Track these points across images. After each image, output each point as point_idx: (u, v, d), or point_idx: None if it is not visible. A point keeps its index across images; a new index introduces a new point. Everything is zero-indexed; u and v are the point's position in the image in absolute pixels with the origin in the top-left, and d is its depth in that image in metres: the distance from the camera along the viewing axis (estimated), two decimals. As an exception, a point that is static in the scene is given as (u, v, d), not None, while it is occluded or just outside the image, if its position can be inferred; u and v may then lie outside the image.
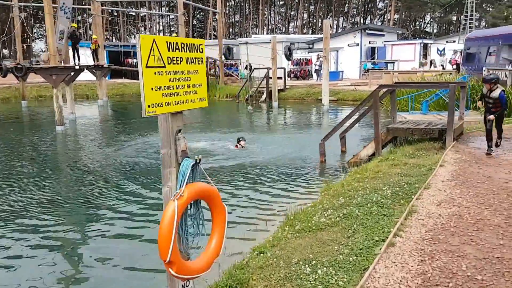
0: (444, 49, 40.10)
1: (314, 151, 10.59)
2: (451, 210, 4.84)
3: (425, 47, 38.76)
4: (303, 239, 4.34)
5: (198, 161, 2.89)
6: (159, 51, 2.66)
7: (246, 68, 31.21)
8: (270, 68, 25.00)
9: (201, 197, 2.91)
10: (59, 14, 15.05)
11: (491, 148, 7.73)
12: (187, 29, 70.48)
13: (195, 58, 3.00)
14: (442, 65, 34.35)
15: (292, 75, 34.96)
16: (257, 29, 73.87)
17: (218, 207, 3.00)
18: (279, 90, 27.30)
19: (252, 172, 9.57)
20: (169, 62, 2.76)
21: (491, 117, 7.63)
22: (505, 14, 50.13)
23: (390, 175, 6.66)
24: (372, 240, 4.03)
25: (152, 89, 2.66)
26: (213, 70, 33.06)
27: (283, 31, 77.34)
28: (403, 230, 4.29)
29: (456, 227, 4.35)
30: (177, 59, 2.83)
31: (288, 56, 23.88)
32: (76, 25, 20.94)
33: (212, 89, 29.51)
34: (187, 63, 2.94)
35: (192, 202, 2.87)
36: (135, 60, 36.28)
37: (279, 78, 27.76)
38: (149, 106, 2.64)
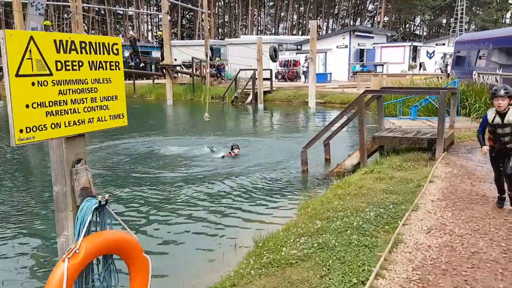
0: (433, 52, 39.87)
1: (297, 158, 9.94)
2: (442, 240, 4.20)
3: (415, 49, 38.44)
4: (269, 277, 3.66)
5: (104, 202, 2.19)
6: (40, 53, 1.94)
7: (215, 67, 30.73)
8: (257, 69, 24.36)
9: (109, 251, 2.19)
10: (29, 11, 14.19)
11: (503, 200, 5.14)
12: (175, 29, 69.63)
13: (105, 61, 2.27)
14: (440, 69, 33.88)
15: (280, 77, 34.34)
16: (247, 30, 73.19)
17: (138, 262, 2.29)
18: (265, 92, 26.68)
19: (224, 183, 8.87)
20: (59, 67, 2.04)
21: None
22: (494, 17, 50.11)
23: (375, 192, 6.03)
24: (349, 283, 3.37)
25: (27, 106, 1.93)
26: (200, 71, 32.32)
27: (273, 32, 76.85)
28: (386, 268, 3.64)
29: (448, 263, 3.71)
30: (73, 63, 2.11)
31: (273, 57, 23.24)
32: (49, 23, 20.05)
33: (197, 90, 28.79)
34: (91, 69, 2.22)
35: (101, 257, 2.17)
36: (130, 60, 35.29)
37: (266, 79, 27.14)
38: (21, 131, 1.91)
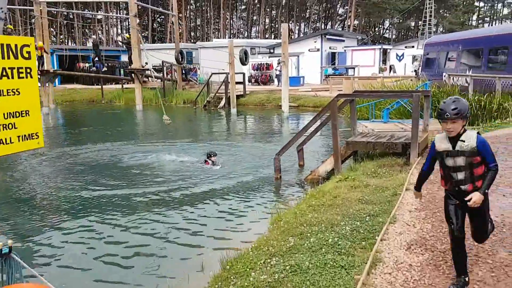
0: (403, 55, 40.45)
1: (271, 165, 9.61)
2: (424, 258, 3.89)
3: (385, 52, 38.92)
4: (236, 308, 3.25)
5: (8, 251, 1.75)
6: None
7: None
8: (229, 73, 23.95)
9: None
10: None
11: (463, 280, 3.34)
12: (146, 32, 68.44)
13: (11, 68, 1.78)
14: (415, 71, 34.23)
15: (253, 80, 34.06)
16: (219, 34, 72.71)
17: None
18: (238, 96, 26.29)
19: (190, 195, 8.41)
20: None
21: (474, 199, 3.15)
22: (462, 19, 51.38)
23: (350, 202, 5.71)
24: (324, 315, 2.99)
25: None
26: (171, 75, 31.66)
27: (246, 35, 76.63)
28: (365, 294, 3.29)
29: (433, 286, 3.39)
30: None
31: (243, 61, 22.87)
32: (11, 27, 19.16)
33: (168, 94, 28.15)
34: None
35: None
36: (87, 65, 34.32)
37: (239, 83, 26.77)
38: None
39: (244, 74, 26.39)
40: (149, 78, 31.60)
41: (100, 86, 31.99)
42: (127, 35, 24.32)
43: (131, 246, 6.05)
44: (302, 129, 8.97)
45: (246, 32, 79.73)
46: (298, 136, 9.00)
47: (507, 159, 7.61)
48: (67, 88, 32.95)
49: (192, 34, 78.79)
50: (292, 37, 64.94)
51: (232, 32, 79.50)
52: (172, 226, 6.63)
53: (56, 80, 34.46)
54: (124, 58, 35.95)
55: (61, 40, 63.35)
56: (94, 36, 37.59)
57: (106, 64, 33.95)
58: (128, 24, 71.92)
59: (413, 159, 7.87)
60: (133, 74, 23.70)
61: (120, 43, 37.99)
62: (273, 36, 70.91)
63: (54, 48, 34.65)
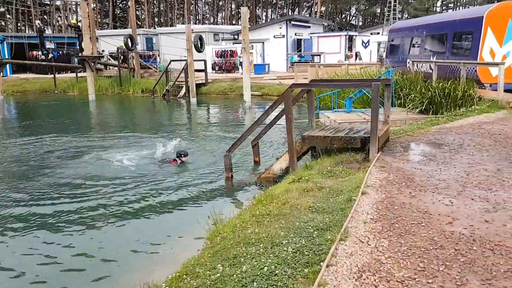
0: (368, 41, 40.09)
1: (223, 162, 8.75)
2: (378, 292, 3.11)
3: (350, 39, 38.38)
4: None
5: None
6: None
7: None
8: (203, 60, 22.79)
9: None
10: None
11: None
12: (108, 19, 65.57)
13: None
14: (380, 57, 33.85)
15: (217, 68, 32.90)
16: (184, 19, 70.66)
17: None
18: (200, 85, 25.22)
19: (120, 199, 7.43)
20: None
21: None
22: (426, 6, 51.55)
23: (299, 211, 4.90)
24: None
25: None
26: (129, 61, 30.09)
27: (211, 21, 74.90)
28: None
29: (386, 338, 2.61)
30: None
31: (198, 47, 21.65)
32: None
33: (125, 83, 26.69)
34: None
35: None
36: (40, 53, 32.22)
37: (200, 71, 25.64)
38: None
39: (205, 61, 25.23)
40: (106, 66, 30.02)
41: (60, 75, 30.19)
42: (73, 20, 22.59)
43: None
44: (254, 122, 8.10)
45: (212, 18, 77.97)
46: (250, 131, 8.12)
47: (474, 153, 7.00)
48: (20, 78, 30.82)
49: (156, 20, 76.32)
50: (259, 23, 63.77)
51: (197, 18, 77.54)
52: (78, 252, 5.58)
53: (8, 70, 32.29)
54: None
55: (18, 28, 59.80)
56: (38, 22, 35.17)
57: (59, 53, 31.97)
58: (90, 11, 68.84)
59: (372, 155, 7.15)
60: (84, 62, 22.14)
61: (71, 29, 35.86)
62: (239, 22, 69.36)
63: (4, 36, 32.36)
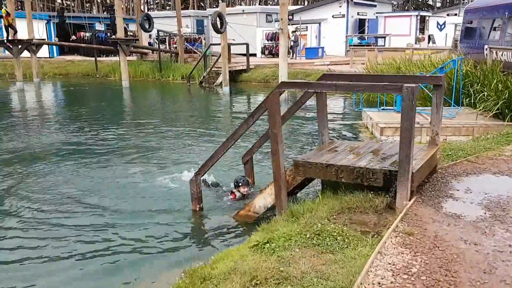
0: (444, 23, 35.20)
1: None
2: None
3: (423, 20, 33.83)
4: None
5: None
6: None
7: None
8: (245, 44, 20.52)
9: None
10: None
11: None
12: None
13: None
14: (455, 42, 29.32)
15: (266, 52, 30.31)
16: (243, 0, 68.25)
17: None
18: (240, 71, 22.87)
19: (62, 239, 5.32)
20: None
21: None
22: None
23: None
24: None
25: None
26: (174, 46, 28.46)
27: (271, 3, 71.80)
28: None
29: None
30: None
31: (217, 27, 18.86)
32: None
33: (166, 69, 25.01)
34: None
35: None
36: (88, 34, 31.58)
37: (243, 55, 23.31)
38: None
39: (247, 44, 22.70)
40: (150, 51, 28.63)
41: (105, 58, 29.32)
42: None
43: None
44: (230, 137, 5.54)
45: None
46: (224, 148, 5.60)
47: None
48: (65, 59, 30.40)
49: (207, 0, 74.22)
50: (315, 1, 59.67)
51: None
52: None
53: (55, 51, 32.10)
54: (131, 27, 32.88)
55: (68, 8, 60.54)
56: (59, 1, 34.52)
57: (107, 34, 30.99)
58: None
59: (400, 201, 4.39)
60: (117, 46, 20.63)
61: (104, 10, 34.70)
62: (299, 2, 65.54)
63: (51, 15, 32.11)
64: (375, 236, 3.92)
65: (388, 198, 4.59)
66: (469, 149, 6.39)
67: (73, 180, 7.54)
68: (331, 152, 5.40)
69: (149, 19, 22.62)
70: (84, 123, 13.04)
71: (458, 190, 4.84)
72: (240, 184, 6.26)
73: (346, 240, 3.80)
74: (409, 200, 4.41)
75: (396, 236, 3.71)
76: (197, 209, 5.89)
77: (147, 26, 22.58)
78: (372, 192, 4.71)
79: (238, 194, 6.29)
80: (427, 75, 6.11)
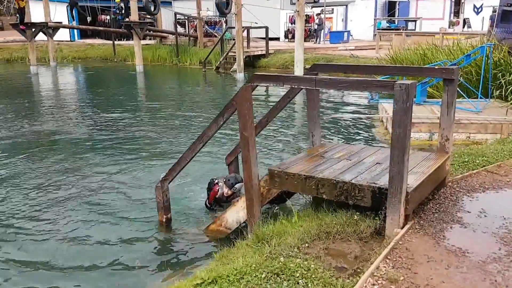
0: (481, 6, 32.85)
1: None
2: None
3: (458, 3, 31.71)
4: None
5: None
6: None
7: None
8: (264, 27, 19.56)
9: None
10: None
11: None
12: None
13: None
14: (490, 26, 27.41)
15: (290, 36, 29.07)
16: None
17: None
18: (259, 56, 21.90)
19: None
20: None
21: None
22: None
23: None
24: None
25: None
26: (194, 29, 27.65)
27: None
28: None
29: None
30: None
31: (222, 9, 17.68)
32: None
33: (183, 53, 24.28)
34: None
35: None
36: (108, 18, 31.12)
37: (261, 39, 22.30)
38: None
39: (267, 28, 21.63)
40: (168, 34, 27.92)
41: (124, 42, 28.87)
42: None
43: None
44: (198, 138, 4.72)
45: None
46: (192, 151, 4.78)
47: None
48: (85, 43, 30.15)
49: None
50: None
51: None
52: None
53: (76, 34, 31.89)
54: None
55: None
56: None
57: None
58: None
59: (390, 229, 3.47)
60: (131, 29, 20.00)
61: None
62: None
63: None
64: (350, 278, 3.04)
65: (377, 220, 3.68)
66: (491, 155, 5.33)
67: (69, 173, 6.95)
68: (316, 158, 4.49)
69: (154, 1, 21.70)
70: (84, 109, 12.52)
71: (469, 212, 3.86)
72: (232, 181, 5.26)
73: (309, 285, 2.93)
74: (402, 227, 3.49)
75: (374, 284, 2.82)
76: (164, 219, 5.12)
77: (152, 9, 21.70)
78: (358, 213, 3.81)
79: (220, 192, 5.37)
80: (436, 68, 5.05)
